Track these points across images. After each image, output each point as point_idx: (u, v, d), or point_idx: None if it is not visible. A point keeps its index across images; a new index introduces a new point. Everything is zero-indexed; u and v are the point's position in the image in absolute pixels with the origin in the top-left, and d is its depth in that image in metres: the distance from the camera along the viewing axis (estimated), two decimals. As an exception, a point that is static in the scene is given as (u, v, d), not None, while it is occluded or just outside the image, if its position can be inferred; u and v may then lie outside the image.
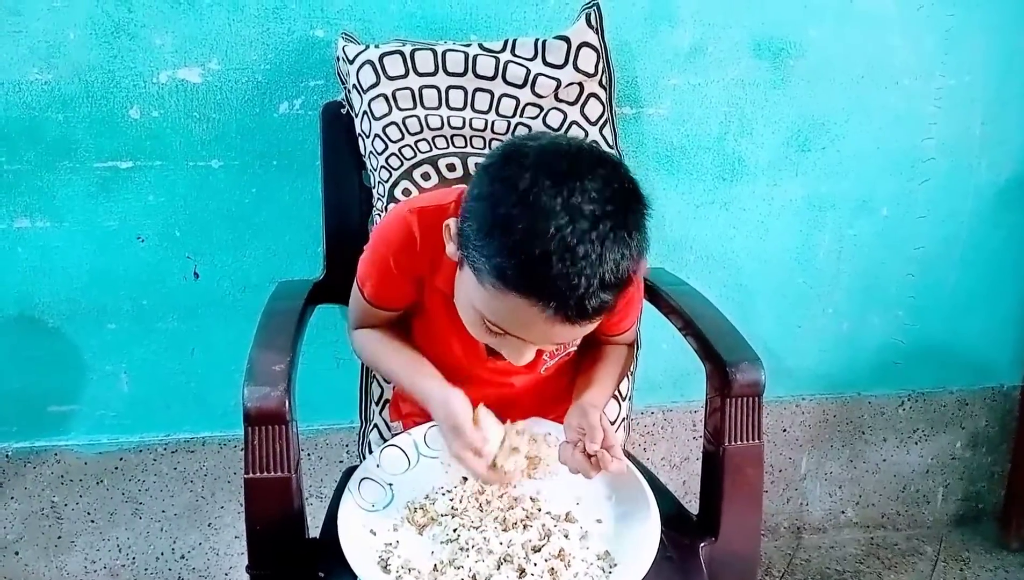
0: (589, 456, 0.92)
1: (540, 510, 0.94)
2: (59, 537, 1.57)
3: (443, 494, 0.97)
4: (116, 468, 1.55)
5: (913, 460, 1.87)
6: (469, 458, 0.90)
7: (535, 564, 0.86)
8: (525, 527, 0.91)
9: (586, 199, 0.79)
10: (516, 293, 0.79)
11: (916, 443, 1.86)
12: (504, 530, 0.91)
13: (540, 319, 0.79)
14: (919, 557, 1.82)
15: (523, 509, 0.93)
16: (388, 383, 1.30)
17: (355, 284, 1.09)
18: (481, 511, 0.94)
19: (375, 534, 0.92)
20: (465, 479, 0.99)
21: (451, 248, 0.90)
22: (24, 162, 1.38)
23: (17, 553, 1.57)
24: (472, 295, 0.86)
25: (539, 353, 1.03)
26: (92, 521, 1.58)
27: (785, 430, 1.78)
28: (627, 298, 1.05)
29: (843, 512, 1.87)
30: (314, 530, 1.05)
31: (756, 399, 1.05)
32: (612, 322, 1.10)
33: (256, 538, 0.97)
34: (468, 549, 0.89)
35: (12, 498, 1.54)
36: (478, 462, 0.91)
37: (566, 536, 0.91)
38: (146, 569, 1.61)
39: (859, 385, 1.79)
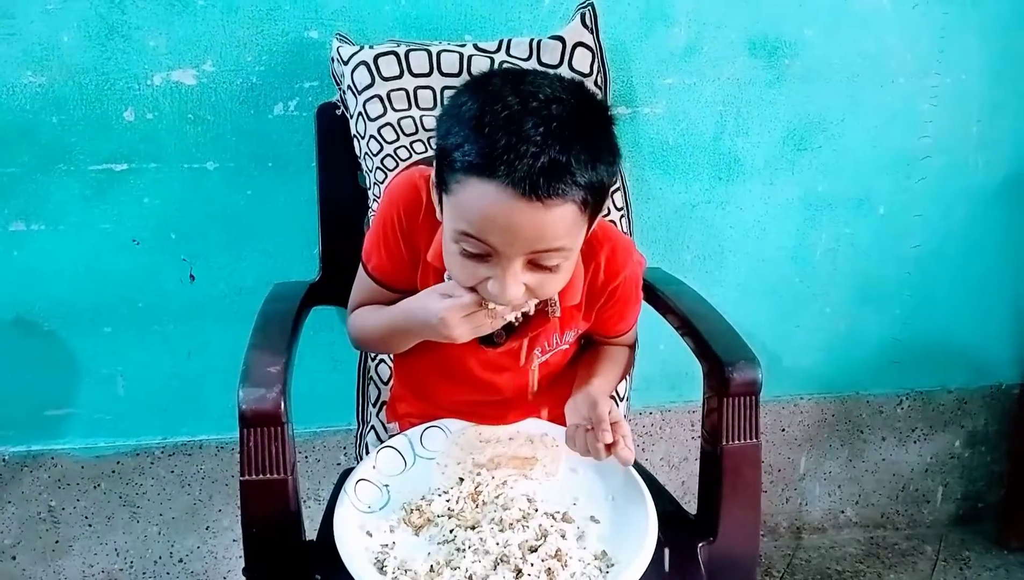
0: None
1: (537, 510, 0.94)
2: (56, 541, 1.57)
3: (439, 495, 0.97)
4: (113, 471, 1.55)
5: (912, 459, 1.86)
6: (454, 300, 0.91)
7: (532, 564, 0.85)
8: (522, 527, 0.90)
9: (541, 88, 0.83)
10: (476, 176, 0.80)
11: (915, 442, 1.85)
12: (501, 530, 0.90)
13: (496, 203, 0.80)
14: (919, 557, 1.82)
15: (519, 509, 0.93)
16: (385, 384, 1.29)
17: (360, 267, 1.08)
18: (478, 512, 0.94)
19: (371, 535, 0.92)
20: (461, 480, 0.99)
21: (435, 196, 0.92)
22: (19, 165, 1.37)
23: (14, 558, 1.56)
24: (449, 224, 0.87)
25: (521, 339, 1.02)
26: (89, 525, 1.57)
27: (784, 430, 1.78)
28: (625, 297, 1.06)
29: (842, 512, 1.87)
30: (311, 532, 1.05)
31: (753, 398, 1.04)
32: (611, 323, 1.10)
33: (252, 540, 0.97)
34: (464, 550, 0.88)
35: (9, 502, 1.54)
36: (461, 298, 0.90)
37: (563, 536, 0.90)
38: (144, 573, 1.61)
39: (857, 384, 1.79)
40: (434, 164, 0.90)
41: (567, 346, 1.10)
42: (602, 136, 0.86)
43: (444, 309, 0.91)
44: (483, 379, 1.09)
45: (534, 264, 0.86)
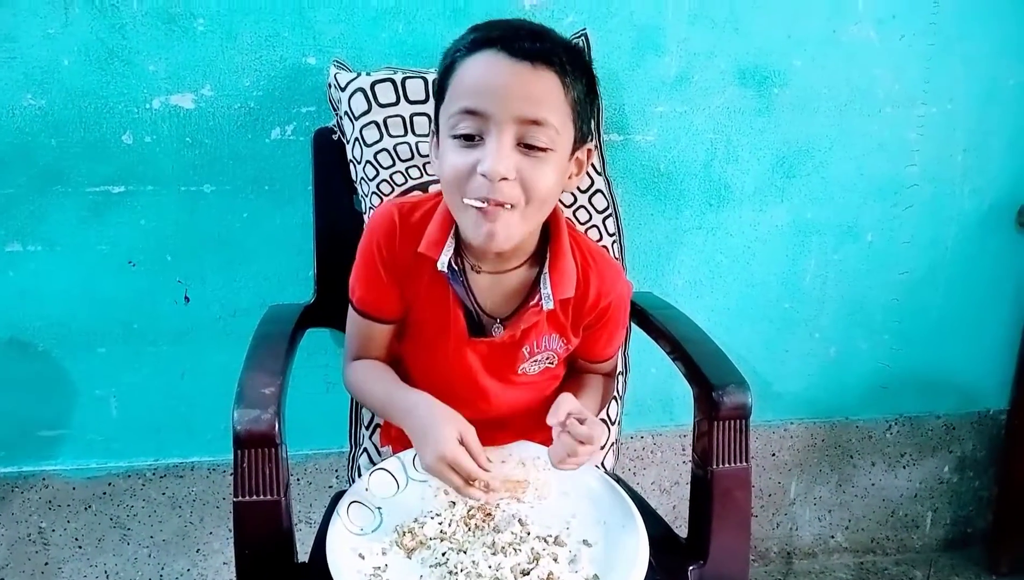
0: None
1: (529, 533, 0.94)
2: (46, 563, 1.56)
3: (432, 517, 0.97)
4: (104, 493, 1.55)
5: (901, 484, 1.87)
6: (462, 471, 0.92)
7: (524, 588, 0.86)
8: (514, 551, 0.91)
9: (531, 23, 0.96)
10: (472, 54, 0.91)
11: (904, 467, 1.86)
12: (493, 554, 0.90)
13: (490, 65, 0.90)
14: (908, 582, 1.82)
15: (512, 532, 0.93)
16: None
17: (349, 307, 1.10)
18: (470, 535, 0.95)
19: (363, 558, 0.92)
20: (454, 503, 0.99)
21: (432, 153, 1.00)
22: (16, 186, 1.38)
23: (3, 579, 1.55)
24: (444, 131, 0.94)
25: (515, 330, 1.05)
26: (79, 547, 1.57)
27: (774, 454, 1.79)
28: (614, 319, 1.09)
29: (832, 537, 1.88)
30: (303, 555, 1.05)
31: (743, 422, 1.06)
32: (598, 346, 1.12)
33: (245, 561, 0.97)
34: (457, 573, 0.88)
35: (-2, 524, 1.53)
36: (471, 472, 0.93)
37: (555, 559, 0.91)
38: (133, 596, 1.60)
39: (846, 409, 1.80)
40: (433, 103, 0.99)
41: (555, 364, 1.11)
42: (574, 44, 1.00)
43: (452, 448, 0.92)
44: (477, 391, 1.09)
45: (523, 145, 0.91)
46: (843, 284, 1.71)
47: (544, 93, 0.90)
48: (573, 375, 1.17)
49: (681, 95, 1.54)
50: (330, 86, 1.31)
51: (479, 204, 0.91)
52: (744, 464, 1.06)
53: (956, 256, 1.74)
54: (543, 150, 0.91)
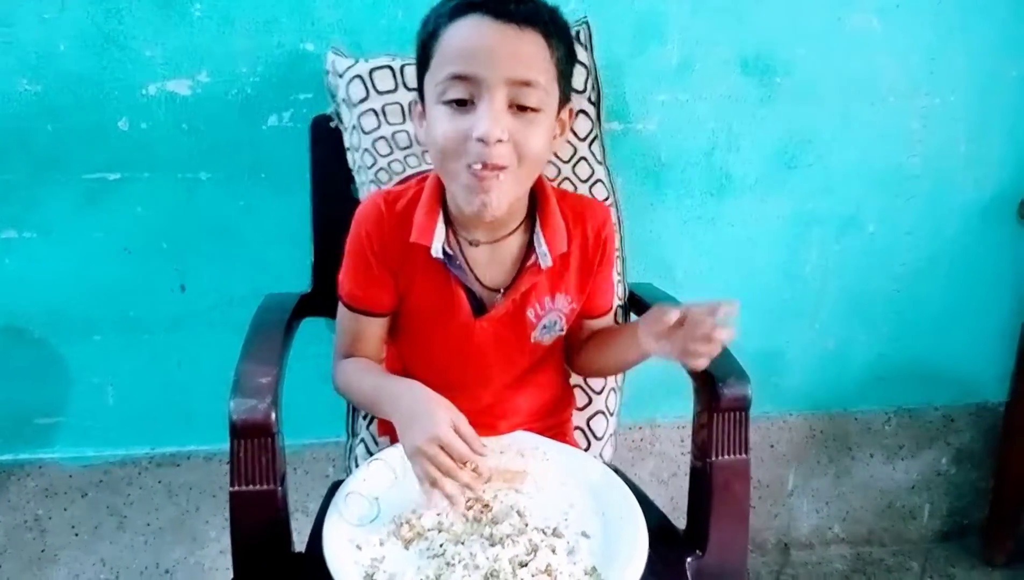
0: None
1: (527, 525, 0.93)
2: (42, 551, 1.56)
3: (429, 508, 0.97)
4: (101, 481, 1.54)
5: (899, 476, 1.87)
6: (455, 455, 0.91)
7: (521, 579, 0.85)
8: (512, 542, 0.90)
9: None
10: (457, 17, 0.91)
11: (902, 459, 1.86)
12: (491, 545, 0.90)
13: (476, 28, 0.90)
14: (905, 573, 1.82)
15: (510, 524, 0.93)
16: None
17: (339, 306, 1.10)
18: (468, 526, 0.94)
19: (361, 549, 0.91)
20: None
21: (421, 128, 0.99)
22: (12, 172, 1.37)
23: (0, 567, 1.55)
24: (431, 97, 0.94)
25: (514, 295, 1.05)
26: (76, 535, 1.56)
27: (772, 446, 1.79)
28: (610, 258, 1.12)
29: (830, 528, 1.88)
30: (300, 545, 1.05)
31: (743, 414, 1.05)
32: (600, 293, 1.13)
33: (241, 551, 0.97)
34: (454, 564, 0.88)
35: (-6, 511, 1.53)
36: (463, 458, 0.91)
37: (553, 551, 0.90)
38: (129, 584, 1.60)
39: (845, 401, 1.80)
40: (416, 66, 0.98)
41: (563, 330, 1.11)
42: (562, 16, 0.97)
43: (445, 430, 0.91)
44: (482, 376, 1.10)
45: (514, 106, 0.91)
46: (844, 275, 1.70)
47: (532, 54, 0.92)
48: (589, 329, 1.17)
49: (683, 84, 1.53)
50: (327, 73, 1.30)
51: (476, 167, 0.91)
52: (743, 456, 1.06)
53: (957, 248, 1.73)
54: (534, 111, 0.92)
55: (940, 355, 1.81)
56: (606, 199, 1.30)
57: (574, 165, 1.29)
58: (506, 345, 1.09)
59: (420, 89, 0.98)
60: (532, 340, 1.09)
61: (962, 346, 1.81)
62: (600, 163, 1.32)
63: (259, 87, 1.39)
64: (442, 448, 0.90)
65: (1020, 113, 1.67)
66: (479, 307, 1.06)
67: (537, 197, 1.05)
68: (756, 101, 1.56)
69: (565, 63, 0.97)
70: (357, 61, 1.26)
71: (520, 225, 1.05)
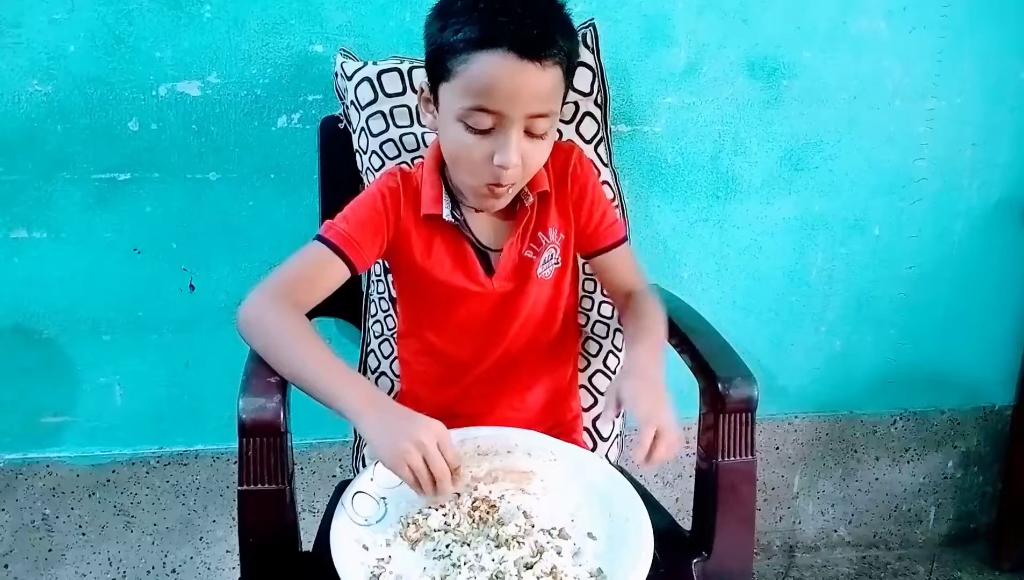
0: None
1: (533, 526, 0.94)
2: (50, 550, 1.57)
3: (436, 509, 0.97)
4: (108, 481, 1.55)
5: (905, 479, 1.87)
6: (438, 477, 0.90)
7: (526, 581, 0.86)
8: (518, 543, 0.90)
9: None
10: (482, 49, 0.94)
11: (908, 462, 1.86)
12: (497, 546, 0.90)
13: (503, 67, 0.93)
14: (911, 577, 1.82)
15: (516, 525, 0.93)
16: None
17: (312, 242, 1.07)
18: (475, 527, 0.94)
19: (367, 549, 0.91)
20: (459, 495, 0.99)
21: (428, 114, 1.05)
22: (22, 172, 1.38)
23: (7, 566, 1.56)
24: (450, 110, 0.98)
25: (521, 246, 1.12)
26: (83, 534, 1.57)
27: (778, 448, 1.79)
28: (593, 188, 1.16)
29: (835, 531, 1.88)
30: (307, 544, 1.05)
31: (749, 415, 1.05)
32: (596, 223, 1.16)
33: (249, 550, 0.97)
34: (460, 565, 0.88)
35: (3, 510, 1.53)
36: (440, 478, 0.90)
37: (559, 553, 0.90)
38: (136, 583, 1.61)
39: (851, 404, 1.80)
40: (426, 68, 1.03)
41: (560, 263, 1.15)
42: (565, 14, 1.01)
43: (430, 438, 0.90)
44: (497, 332, 1.16)
45: (527, 133, 0.98)
46: (850, 278, 1.70)
47: (550, 88, 0.98)
48: (625, 316, 1.18)
49: (689, 86, 1.53)
50: (336, 75, 1.30)
51: (491, 184, 1.00)
52: (749, 458, 1.06)
53: (963, 251, 1.73)
54: (545, 135, 1.01)
55: (946, 358, 1.80)
56: (612, 201, 1.30)
57: (581, 167, 1.29)
58: (519, 291, 1.14)
59: (435, 90, 1.02)
60: (538, 274, 1.14)
61: (969, 349, 1.81)
62: (606, 165, 1.32)
63: (269, 88, 1.40)
64: (424, 459, 0.89)
65: (1027, 116, 1.67)
66: (488, 268, 1.13)
67: None
68: (762, 104, 1.56)
69: (572, 73, 1.03)
70: (365, 64, 1.27)
71: None
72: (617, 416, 0.96)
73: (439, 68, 0.99)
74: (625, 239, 1.20)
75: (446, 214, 1.08)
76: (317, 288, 1.07)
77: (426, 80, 1.04)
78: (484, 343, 1.17)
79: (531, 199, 1.10)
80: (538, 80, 0.95)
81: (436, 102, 1.02)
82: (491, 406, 1.18)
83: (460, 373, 1.18)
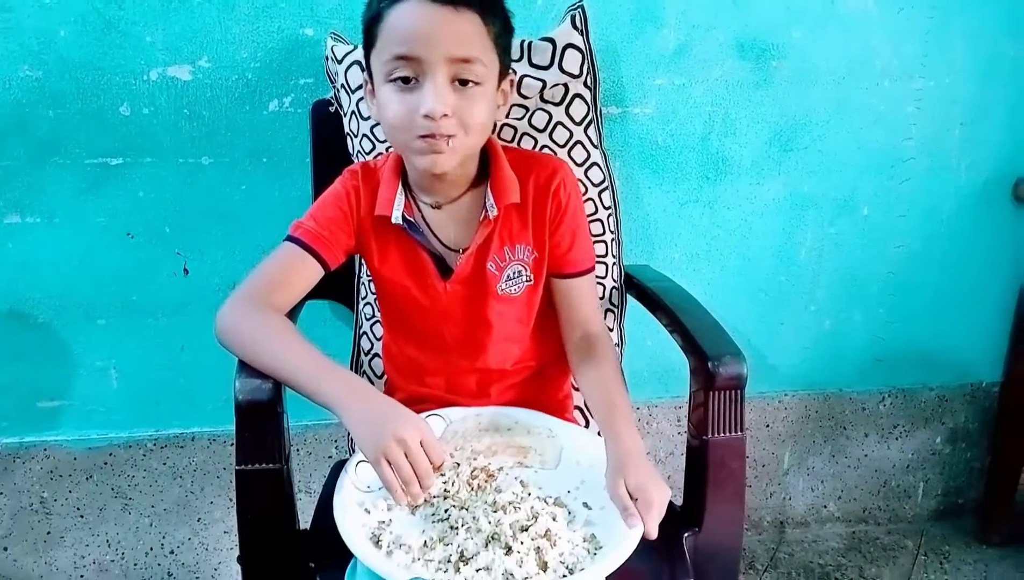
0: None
1: (530, 495, 0.96)
2: (48, 533, 1.58)
3: (437, 477, 0.99)
4: (105, 463, 1.56)
5: (894, 455, 1.90)
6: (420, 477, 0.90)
7: (522, 543, 0.88)
8: (515, 509, 0.93)
9: None
10: (391, 5, 0.96)
11: (897, 439, 1.88)
12: (494, 511, 0.93)
13: (415, 14, 0.95)
14: (900, 551, 1.85)
15: (513, 493, 0.96)
16: (379, 378, 1.31)
17: (282, 245, 1.09)
18: (473, 494, 0.97)
19: (369, 512, 0.94)
20: (458, 464, 1.01)
21: (373, 105, 1.04)
22: (14, 158, 1.38)
23: (6, 548, 1.57)
24: (379, 77, 0.99)
25: (483, 259, 1.10)
26: (81, 516, 1.58)
27: (768, 426, 1.81)
28: (572, 212, 1.13)
29: (825, 507, 1.90)
30: (304, 524, 1.07)
31: (738, 392, 1.07)
32: (563, 249, 1.13)
33: (247, 528, 0.99)
34: (458, 528, 0.91)
35: (1, 493, 1.54)
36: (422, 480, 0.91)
37: (554, 519, 0.92)
38: (135, 564, 1.62)
39: (841, 382, 1.82)
40: (363, 47, 1.03)
41: (531, 280, 1.12)
42: None
43: (411, 438, 0.89)
44: (473, 342, 1.13)
45: (456, 82, 0.97)
46: (839, 257, 1.72)
47: (469, 32, 0.97)
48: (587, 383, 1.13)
49: (679, 68, 1.53)
50: (327, 59, 1.31)
51: (427, 137, 0.98)
52: (739, 434, 1.07)
53: (952, 230, 1.75)
54: (475, 84, 0.99)
55: (935, 336, 1.82)
56: (602, 182, 1.31)
57: (570, 149, 1.29)
58: (477, 303, 1.12)
59: (368, 69, 1.04)
60: (500, 291, 1.11)
61: (957, 327, 1.83)
62: (596, 147, 1.32)
63: (260, 72, 1.40)
64: (406, 455, 0.89)
65: (1014, 96, 1.68)
66: (446, 270, 1.11)
67: (489, 157, 1.11)
68: (752, 85, 1.57)
69: (502, 36, 1.03)
70: (356, 47, 1.27)
71: (474, 185, 1.11)
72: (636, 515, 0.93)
73: (367, 41, 1.01)
74: (591, 270, 1.17)
75: (395, 217, 1.07)
76: (292, 288, 1.08)
77: (366, 72, 1.05)
78: (448, 343, 1.14)
79: (495, 212, 1.07)
80: (452, 22, 0.96)
81: (373, 83, 1.03)
82: (468, 392, 1.16)
83: (434, 373, 1.17)
